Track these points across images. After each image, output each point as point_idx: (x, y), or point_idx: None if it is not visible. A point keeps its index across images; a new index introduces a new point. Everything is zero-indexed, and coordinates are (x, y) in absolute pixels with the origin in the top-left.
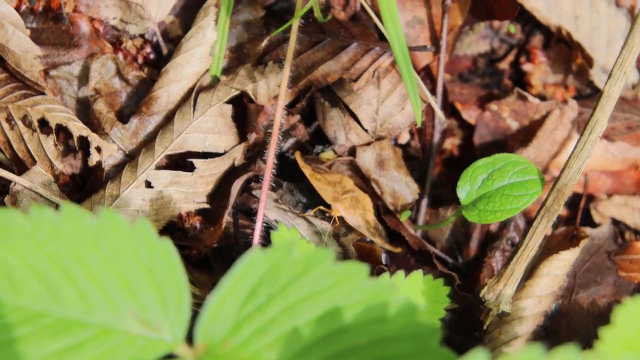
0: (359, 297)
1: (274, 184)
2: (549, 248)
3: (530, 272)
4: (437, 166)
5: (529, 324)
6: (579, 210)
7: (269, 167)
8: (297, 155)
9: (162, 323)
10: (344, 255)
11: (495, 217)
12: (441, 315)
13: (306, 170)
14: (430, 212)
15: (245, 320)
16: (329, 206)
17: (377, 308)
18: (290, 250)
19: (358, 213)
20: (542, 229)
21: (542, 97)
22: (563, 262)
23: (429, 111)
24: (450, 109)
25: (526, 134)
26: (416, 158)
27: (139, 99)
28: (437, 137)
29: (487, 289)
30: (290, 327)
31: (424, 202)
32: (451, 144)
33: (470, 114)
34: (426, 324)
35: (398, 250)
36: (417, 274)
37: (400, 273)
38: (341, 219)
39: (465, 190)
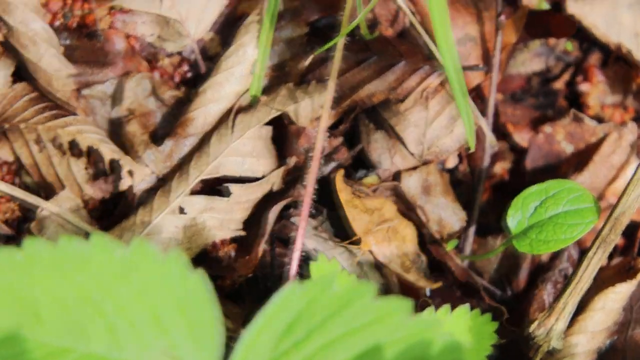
0: (401, 334)
1: (313, 211)
2: (603, 280)
3: (583, 306)
4: (485, 192)
5: None
6: (637, 240)
7: (308, 192)
8: (338, 176)
9: (193, 358)
10: (386, 288)
11: (548, 247)
12: (487, 353)
13: (343, 194)
14: (477, 241)
15: (282, 358)
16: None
17: (419, 346)
18: (330, 284)
19: (394, 245)
20: (598, 260)
21: (600, 119)
22: (619, 295)
23: (479, 134)
24: (501, 131)
25: (581, 158)
26: (464, 183)
27: (174, 119)
28: (486, 161)
29: (537, 324)
30: None
31: (472, 231)
32: (501, 168)
33: (522, 137)
34: None
35: (437, 285)
36: (464, 308)
37: (446, 307)
38: (371, 253)
39: (516, 218)
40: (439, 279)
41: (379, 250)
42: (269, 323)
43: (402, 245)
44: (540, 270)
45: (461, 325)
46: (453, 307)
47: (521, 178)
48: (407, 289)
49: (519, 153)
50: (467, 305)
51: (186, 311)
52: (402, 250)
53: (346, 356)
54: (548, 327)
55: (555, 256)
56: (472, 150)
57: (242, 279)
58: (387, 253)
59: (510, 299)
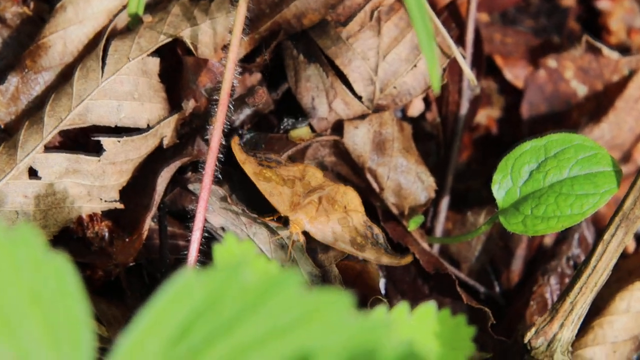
0: (337, 339)
1: (220, 176)
2: (627, 272)
3: (599, 308)
4: (465, 149)
5: None
6: None
7: (213, 150)
8: (233, 144)
9: None
10: (323, 280)
11: (548, 226)
12: None
13: (248, 166)
14: (453, 217)
15: None
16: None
17: (363, 356)
18: (238, 271)
19: (334, 219)
20: (618, 243)
21: (624, 49)
22: None
23: (454, 69)
24: (486, 66)
25: (599, 104)
26: (434, 138)
27: (20, 47)
28: (465, 108)
29: (536, 332)
30: None
31: (444, 203)
32: (487, 116)
33: (516, 73)
34: None
35: (406, 260)
36: (428, 307)
37: (403, 305)
38: (306, 235)
39: (504, 186)
40: (396, 269)
41: (315, 229)
42: (156, 325)
43: (345, 218)
44: (542, 258)
45: (424, 330)
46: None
47: (515, 130)
48: (353, 282)
49: (511, 96)
50: (432, 303)
51: (41, 309)
52: (347, 224)
53: None
54: (550, 336)
55: (562, 239)
56: (438, 91)
57: (120, 269)
58: (328, 231)
59: (499, 297)
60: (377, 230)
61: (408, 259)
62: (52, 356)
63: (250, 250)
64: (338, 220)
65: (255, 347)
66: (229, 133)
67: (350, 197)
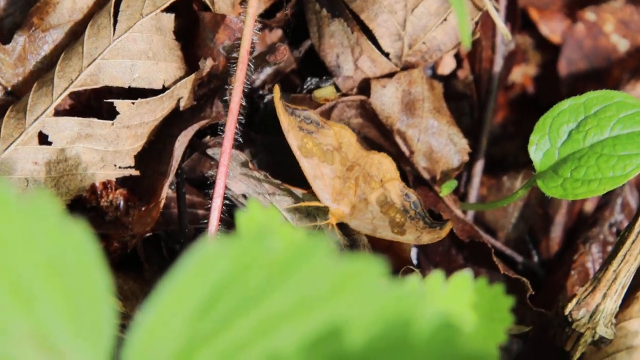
0: (369, 311)
1: (241, 140)
2: None
3: None
4: (500, 110)
5: None
6: None
7: (233, 112)
8: (276, 92)
9: (71, 347)
10: (352, 250)
11: (589, 189)
12: (499, 340)
13: (292, 137)
14: (488, 182)
15: (199, 346)
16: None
17: (396, 328)
18: (264, 240)
19: (373, 201)
20: None
21: None
22: None
23: (487, 23)
24: (521, 19)
25: None
26: (467, 97)
27: (27, 4)
28: (499, 65)
29: (577, 303)
30: (266, 356)
31: (479, 167)
32: (523, 74)
33: (553, 27)
34: (473, 352)
35: (446, 231)
36: (464, 276)
37: (437, 275)
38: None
39: (541, 148)
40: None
41: (355, 223)
42: (179, 299)
43: (383, 194)
44: (582, 225)
45: (460, 301)
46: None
47: (552, 89)
48: (383, 252)
49: (548, 52)
50: (468, 271)
51: (60, 280)
52: (385, 201)
53: (291, 342)
54: (592, 308)
55: (604, 204)
56: (469, 47)
57: (137, 240)
58: (367, 221)
59: (538, 267)
60: (414, 197)
61: (447, 229)
62: (71, 328)
63: (275, 217)
64: (376, 200)
65: (285, 319)
66: (249, 93)
67: (386, 168)
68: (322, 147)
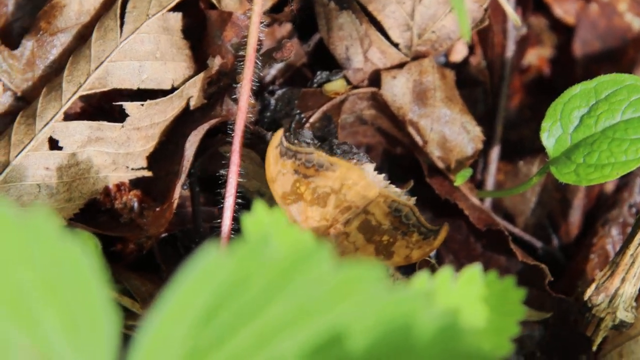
0: (370, 315)
1: (250, 135)
2: None
3: None
4: (516, 93)
5: None
6: None
7: (242, 110)
8: (275, 138)
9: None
10: None
11: (603, 174)
12: (512, 332)
13: (277, 186)
14: (505, 168)
15: (202, 355)
16: None
17: (398, 331)
18: (265, 246)
19: (358, 235)
20: None
21: None
22: None
23: (498, 8)
24: (535, 1)
25: None
26: (480, 84)
27: (34, 8)
28: (511, 50)
29: (596, 288)
30: None
31: (495, 154)
32: (538, 57)
33: (566, 8)
34: (478, 351)
35: (440, 240)
36: (474, 271)
37: (446, 271)
38: None
39: (554, 134)
40: (448, 225)
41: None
42: (181, 308)
43: (366, 220)
44: (602, 207)
45: (470, 295)
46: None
47: (568, 71)
48: None
49: (563, 33)
50: (478, 266)
51: (58, 293)
52: (369, 228)
53: (293, 349)
54: (611, 292)
55: (623, 186)
56: (467, 40)
57: (153, 241)
58: (349, 255)
59: (558, 252)
60: (406, 209)
61: (442, 237)
62: (71, 343)
63: (281, 219)
64: (358, 228)
65: (286, 327)
66: (259, 90)
67: (366, 184)
68: (318, 190)
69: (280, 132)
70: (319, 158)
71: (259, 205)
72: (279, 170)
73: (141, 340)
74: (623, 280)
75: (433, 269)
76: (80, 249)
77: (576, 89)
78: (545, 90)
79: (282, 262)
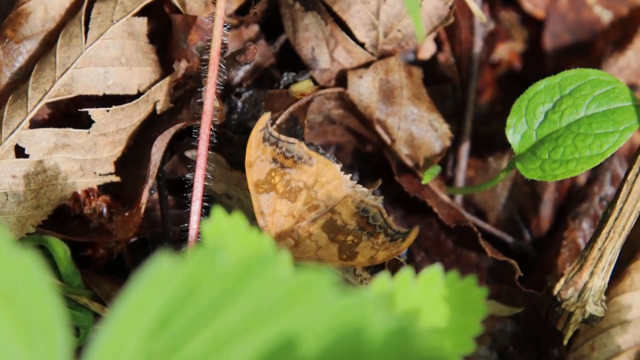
0: (321, 321)
1: (216, 140)
2: None
3: (633, 251)
4: (487, 88)
5: (638, 331)
6: None
7: (207, 114)
8: (260, 121)
9: None
10: None
11: (568, 170)
12: (474, 332)
13: (255, 165)
14: (475, 164)
15: None
16: None
17: (349, 336)
18: (215, 255)
19: (322, 235)
20: None
21: None
22: None
23: (464, 5)
24: None
25: (625, 30)
26: (449, 80)
27: (1, 16)
28: (478, 46)
29: (565, 282)
30: None
31: (465, 150)
32: (509, 51)
33: (535, 2)
34: (429, 353)
35: (409, 240)
36: (434, 271)
37: (406, 271)
38: None
39: (519, 130)
40: (417, 224)
41: (296, 257)
42: (133, 318)
43: (331, 219)
44: (573, 200)
45: (431, 296)
46: (444, 264)
47: (540, 65)
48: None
49: (533, 27)
50: (436, 267)
51: (13, 311)
52: (334, 228)
53: (246, 355)
54: (580, 286)
55: (593, 178)
56: (421, 42)
57: (122, 245)
58: (310, 253)
59: (529, 247)
60: (373, 210)
61: (410, 239)
62: (27, 355)
63: (239, 224)
64: (322, 227)
65: (238, 334)
66: (225, 93)
67: (338, 184)
68: (291, 183)
69: (267, 116)
70: (299, 149)
71: (217, 211)
72: (258, 155)
73: (96, 347)
74: (592, 274)
75: (401, 268)
76: (32, 263)
77: (540, 84)
78: (517, 84)
79: (235, 269)
